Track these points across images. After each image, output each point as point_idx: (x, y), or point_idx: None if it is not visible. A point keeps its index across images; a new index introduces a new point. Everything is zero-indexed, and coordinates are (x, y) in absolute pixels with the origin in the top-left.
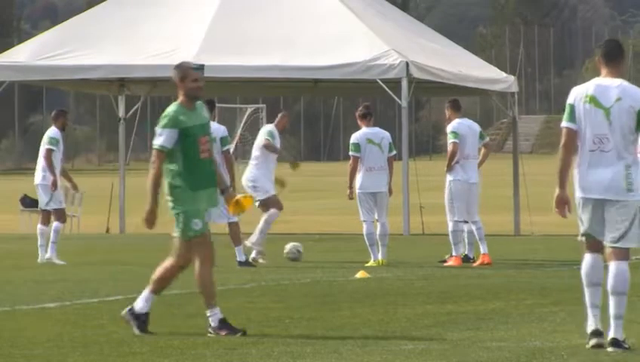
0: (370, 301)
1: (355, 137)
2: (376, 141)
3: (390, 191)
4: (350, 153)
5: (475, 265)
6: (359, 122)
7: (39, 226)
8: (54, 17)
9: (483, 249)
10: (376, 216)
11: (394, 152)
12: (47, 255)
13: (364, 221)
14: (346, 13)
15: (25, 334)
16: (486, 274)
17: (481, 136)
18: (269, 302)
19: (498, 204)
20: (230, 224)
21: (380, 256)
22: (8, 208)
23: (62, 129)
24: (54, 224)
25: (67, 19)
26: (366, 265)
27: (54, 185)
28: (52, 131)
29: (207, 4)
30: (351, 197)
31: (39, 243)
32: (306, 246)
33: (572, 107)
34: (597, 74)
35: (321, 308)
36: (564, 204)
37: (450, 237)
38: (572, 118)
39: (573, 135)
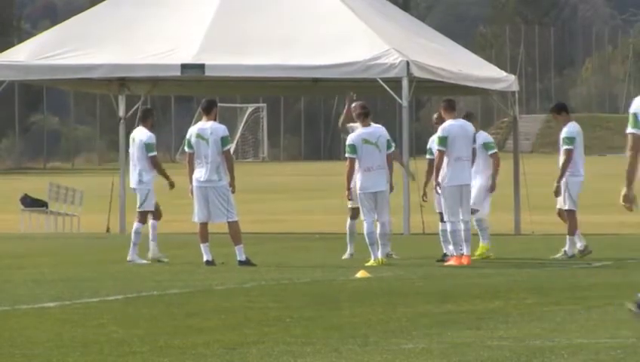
0: (370, 300)
1: (350, 138)
2: (372, 140)
3: (392, 188)
4: (346, 155)
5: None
6: (359, 123)
7: (136, 224)
8: (54, 17)
9: (466, 250)
10: (376, 216)
11: (392, 149)
12: (150, 254)
13: (365, 220)
14: (346, 12)
15: (25, 333)
16: (486, 274)
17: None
18: (268, 301)
19: (498, 203)
20: (230, 223)
21: (380, 256)
22: (8, 208)
23: (151, 128)
24: (151, 222)
25: (67, 18)
26: (366, 264)
27: (172, 185)
28: (145, 135)
29: (207, 3)
30: (350, 198)
31: (133, 240)
32: (305, 246)
33: (636, 115)
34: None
35: (321, 307)
36: (630, 201)
37: (449, 237)
38: (637, 124)
39: (638, 140)
